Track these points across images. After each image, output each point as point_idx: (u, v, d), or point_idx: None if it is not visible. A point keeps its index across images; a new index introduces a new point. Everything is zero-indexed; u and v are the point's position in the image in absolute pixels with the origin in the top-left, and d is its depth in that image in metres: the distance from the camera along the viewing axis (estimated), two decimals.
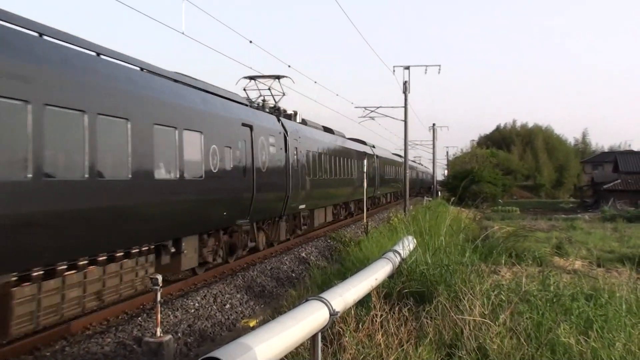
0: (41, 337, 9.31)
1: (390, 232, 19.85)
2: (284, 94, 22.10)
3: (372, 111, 42.90)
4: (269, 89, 21.89)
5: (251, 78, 21.81)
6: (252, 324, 11.18)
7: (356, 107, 43.72)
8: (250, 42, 19.68)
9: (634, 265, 11.03)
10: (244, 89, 21.61)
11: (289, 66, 24.37)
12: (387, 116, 43.23)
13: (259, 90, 21.88)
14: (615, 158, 66.59)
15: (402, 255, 10.71)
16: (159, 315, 9.34)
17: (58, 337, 9.53)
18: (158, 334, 9.22)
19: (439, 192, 66.34)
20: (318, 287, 12.06)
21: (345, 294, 7.07)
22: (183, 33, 15.65)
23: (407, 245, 11.56)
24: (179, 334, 10.31)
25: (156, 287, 9.51)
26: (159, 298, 9.39)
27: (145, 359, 8.83)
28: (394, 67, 37.94)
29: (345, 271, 13.32)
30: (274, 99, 21.92)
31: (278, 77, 21.90)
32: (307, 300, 6.32)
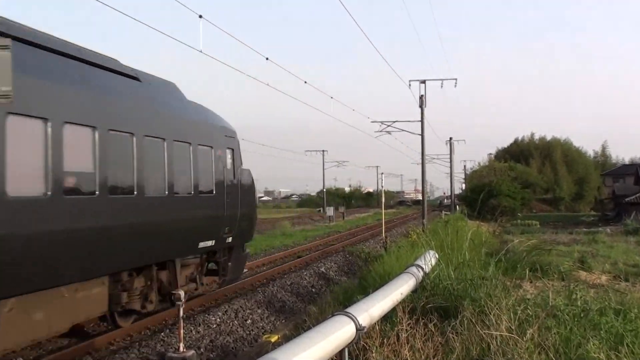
0: (66, 354, 9.36)
1: (410, 247, 19.73)
2: None
3: (388, 125, 42.89)
4: None
5: None
6: (273, 339, 11.13)
7: (372, 122, 43.74)
8: (267, 59, 19.83)
9: None
10: None
11: (305, 82, 24.48)
12: (403, 130, 43.18)
13: None
14: (637, 170, 65.69)
15: (425, 269, 10.63)
16: (181, 331, 9.36)
17: (83, 353, 9.58)
18: (181, 349, 9.24)
19: (457, 206, 65.95)
20: (340, 302, 12.01)
21: (371, 309, 7.02)
22: (201, 51, 15.84)
23: (429, 259, 11.47)
24: (202, 350, 10.32)
25: (179, 302, 9.56)
26: (181, 313, 9.42)
27: None
28: (409, 81, 38.03)
29: (366, 286, 13.26)
30: None
31: None
32: (333, 315, 6.29)
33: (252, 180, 15.35)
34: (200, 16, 15.34)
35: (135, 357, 9.48)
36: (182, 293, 9.77)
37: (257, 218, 16.30)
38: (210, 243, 12.73)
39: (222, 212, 13.10)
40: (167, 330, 11.01)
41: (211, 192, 12.72)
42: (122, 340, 10.58)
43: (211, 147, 12.83)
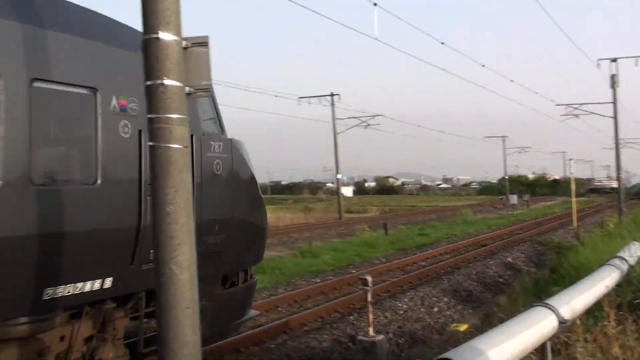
0: (264, 331, 10.00)
1: (607, 237, 18.26)
2: None
3: (575, 109, 40.04)
4: None
5: None
6: (462, 328, 10.96)
7: (557, 105, 41.14)
8: (443, 43, 19.51)
9: None
10: None
11: (483, 66, 23.63)
12: (592, 113, 39.98)
13: None
14: None
15: (630, 262, 9.76)
16: (370, 315, 9.50)
17: (279, 332, 10.16)
18: (371, 333, 9.40)
19: None
20: (531, 294, 11.48)
21: (572, 302, 6.60)
22: (376, 38, 16.02)
23: (634, 251, 10.53)
24: (390, 335, 10.42)
25: (366, 287, 9.74)
26: (369, 298, 9.58)
27: (359, 357, 9.04)
28: (598, 60, 35.13)
29: (558, 278, 12.54)
30: None
31: None
32: (532, 307, 6.01)
33: (244, 158, 7.76)
34: (375, 4, 15.57)
35: (328, 339, 9.84)
36: (369, 278, 9.96)
37: (265, 227, 8.31)
38: (92, 286, 5.65)
39: (133, 221, 5.98)
40: (356, 314, 11.29)
41: (91, 181, 5.68)
42: (314, 321, 11.06)
43: (93, 88, 5.76)
